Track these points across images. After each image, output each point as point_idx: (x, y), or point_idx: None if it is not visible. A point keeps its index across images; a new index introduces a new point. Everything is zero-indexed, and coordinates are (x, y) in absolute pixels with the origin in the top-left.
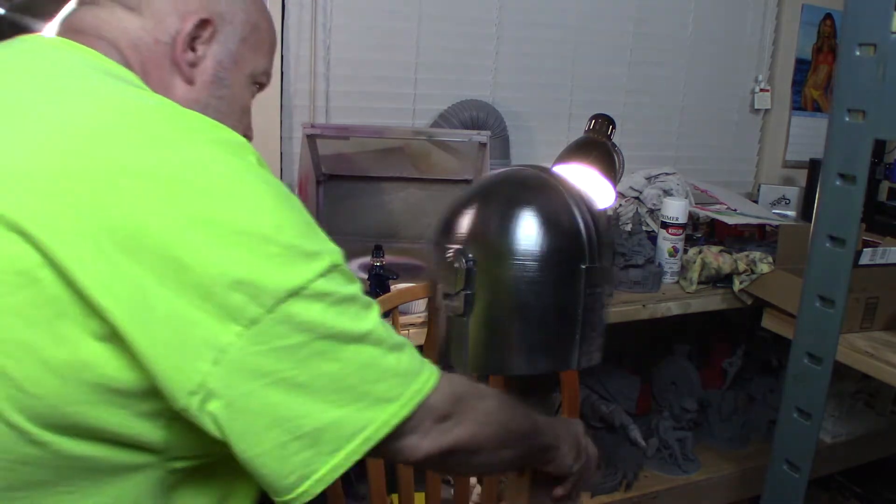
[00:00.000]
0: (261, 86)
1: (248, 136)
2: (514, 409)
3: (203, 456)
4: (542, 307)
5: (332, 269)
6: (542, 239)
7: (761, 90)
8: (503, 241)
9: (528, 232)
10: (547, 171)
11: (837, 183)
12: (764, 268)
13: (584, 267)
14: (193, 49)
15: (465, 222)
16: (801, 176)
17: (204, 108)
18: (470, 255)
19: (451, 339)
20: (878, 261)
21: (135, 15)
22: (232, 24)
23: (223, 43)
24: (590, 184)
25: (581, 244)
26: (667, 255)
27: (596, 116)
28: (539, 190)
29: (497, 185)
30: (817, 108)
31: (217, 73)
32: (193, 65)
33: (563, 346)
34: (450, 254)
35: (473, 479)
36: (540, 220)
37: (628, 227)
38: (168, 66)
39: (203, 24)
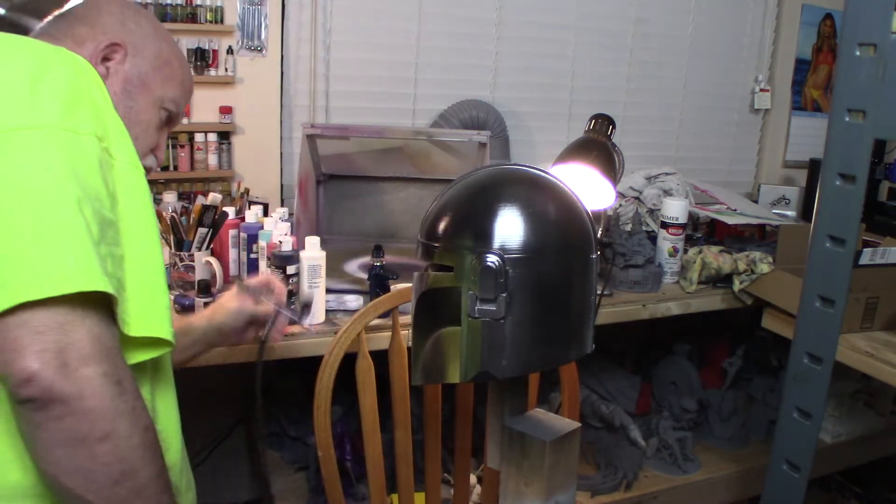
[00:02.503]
0: (169, 113)
1: (157, 155)
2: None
3: None
4: (571, 299)
5: None
6: (568, 233)
7: (761, 90)
8: (535, 241)
9: (555, 229)
10: (530, 167)
11: (837, 183)
12: (764, 268)
13: (593, 257)
14: (106, 65)
15: (488, 226)
16: (801, 176)
17: None
18: (504, 258)
19: (486, 345)
20: (878, 261)
21: (60, 42)
22: (143, 53)
23: (133, 66)
24: (590, 184)
25: (590, 234)
26: (667, 255)
27: (596, 116)
28: (544, 186)
29: (501, 186)
30: (817, 108)
31: (126, 87)
32: (105, 77)
33: (584, 333)
34: (487, 259)
35: (473, 479)
36: (561, 216)
37: (628, 227)
38: None
39: (114, 46)
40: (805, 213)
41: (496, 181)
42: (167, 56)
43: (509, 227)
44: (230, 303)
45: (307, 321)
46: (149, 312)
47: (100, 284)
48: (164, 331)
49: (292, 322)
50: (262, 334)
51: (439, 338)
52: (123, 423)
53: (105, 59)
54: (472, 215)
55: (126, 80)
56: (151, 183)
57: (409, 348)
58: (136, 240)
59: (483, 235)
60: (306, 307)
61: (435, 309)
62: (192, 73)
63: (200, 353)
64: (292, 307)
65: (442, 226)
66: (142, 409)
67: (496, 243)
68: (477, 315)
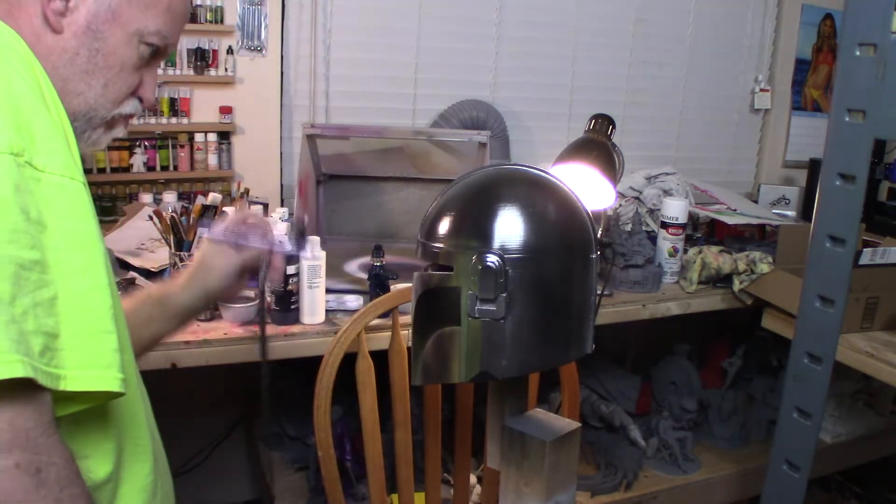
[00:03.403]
0: (155, 48)
1: (142, 96)
2: None
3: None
4: (571, 299)
5: None
6: (568, 233)
7: (761, 90)
8: (535, 241)
9: (555, 229)
10: (530, 167)
11: (837, 183)
12: (764, 268)
13: (593, 257)
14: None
15: (488, 226)
16: (801, 176)
17: (73, 57)
18: (504, 258)
19: (486, 345)
20: (878, 261)
21: None
22: None
23: None
24: (590, 184)
25: (590, 234)
26: (667, 255)
27: (596, 116)
28: (544, 186)
29: (501, 186)
30: (817, 108)
31: (90, 25)
32: (62, 13)
33: (584, 333)
34: (487, 259)
35: (473, 479)
36: (561, 216)
37: (628, 227)
38: (38, 13)
39: None
40: (805, 213)
41: (496, 181)
42: None
43: (509, 227)
44: (211, 261)
45: (308, 251)
46: (91, 360)
47: (6, 369)
48: (108, 382)
49: (291, 255)
50: (258, 281)
51: (439, 338)
52: None
53: None
54: (472, 215)
55: (91, 16)
56: (151, 183)
57: (409, 348)
58: (72, 271)
59: (483, 235)
60: (302, 235)
61: (435, 309)
62: (192, 72)
63: (184, 324)
64: (284, 241)
65: (442, 226)
66: (70, 499)
67: (496, 243)
68: (477, 315)
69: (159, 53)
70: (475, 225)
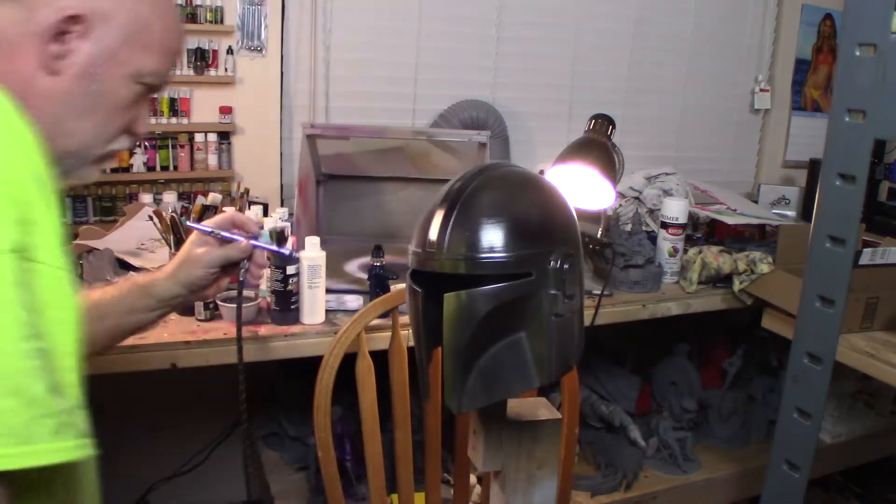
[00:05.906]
0: (150, 87)
1: (135, 133)
2: None
3: None
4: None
5: None
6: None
7: (761, 90)
8: (571, 240)
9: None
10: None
11: (837, 183)
12: (764, 268)
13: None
14: (61, 42)
15: (558, 226)
16: (801, 176)
17: (69, 100)
18: (569, 255)
19: (564, 342)
20: (878, 261)
21: (9, 4)
22: (111, 23)
23: (98, 40)
24: (590, 184)
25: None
26: (667, 255)
27: (596, 116)
28: (542, 185)
29: (525, 187)
30: (817, 108)
31: (88, 69)
32: (60, 57)
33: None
34: (564, 258)
35: (473, 479)
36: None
37: (628, 227)
38: (35, 56)
39: (74, 19)
40: (805, 213)
41: (529, 186)
42: (147, 19)
43: (566, 226)
44: (194, 252)
45: (287, 250)
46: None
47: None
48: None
49: (274, 253)
50: (239, 276)
51: (495, 354)
52: None
53: (61, 32)
54: (541, 220)
55: (89, 59)
56: (151, 183)
57: (409, 348)
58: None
59: (555, 238)
60: (281, 235)
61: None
62: (192, 72)
63: (164, 315)
64: (266, 241)
65: (523, 233)
66: None
67: (564, 243)
68: (561, 312)
69: (153, 90)
70: (549, 228)
